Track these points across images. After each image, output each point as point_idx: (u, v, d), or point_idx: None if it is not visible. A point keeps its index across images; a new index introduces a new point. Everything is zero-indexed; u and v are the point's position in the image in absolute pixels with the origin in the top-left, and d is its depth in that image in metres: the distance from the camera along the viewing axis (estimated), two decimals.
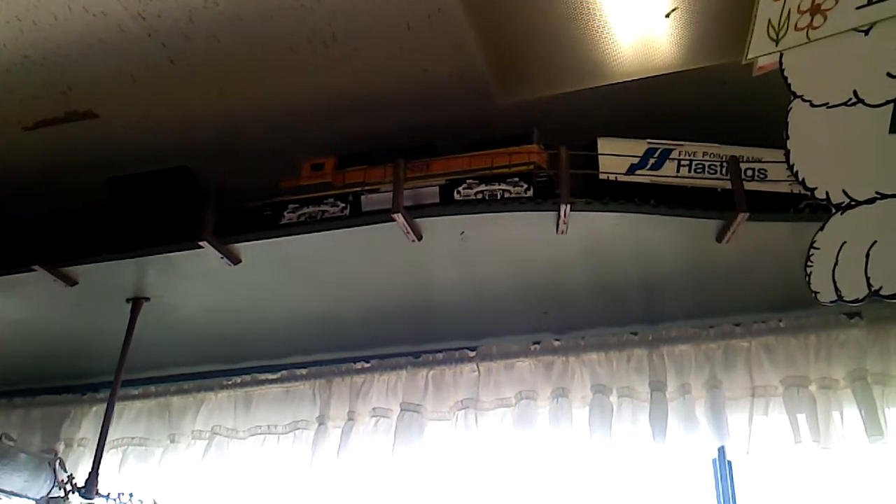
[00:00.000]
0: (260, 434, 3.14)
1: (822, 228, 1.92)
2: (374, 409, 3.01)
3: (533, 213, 2.43)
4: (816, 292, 1.94)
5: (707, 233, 2.47)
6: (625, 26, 2.51)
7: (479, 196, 2.47)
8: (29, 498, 2.86)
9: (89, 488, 2.75)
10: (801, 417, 2.61)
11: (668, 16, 2.47)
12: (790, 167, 1.97)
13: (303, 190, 2.64)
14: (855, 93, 1.91)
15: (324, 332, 3.16)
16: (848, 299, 1.88)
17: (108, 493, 2.80)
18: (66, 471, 2.86)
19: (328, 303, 2.98)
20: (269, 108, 2.78)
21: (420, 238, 2.54)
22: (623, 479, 2.87)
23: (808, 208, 2.31)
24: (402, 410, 2.96)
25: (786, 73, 2.01)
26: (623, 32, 2.53)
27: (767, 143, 2.36)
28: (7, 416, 3.50)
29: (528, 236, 2.55)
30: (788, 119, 1.98)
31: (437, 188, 2.52)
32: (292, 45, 2.54)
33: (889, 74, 1.88)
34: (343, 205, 2.59)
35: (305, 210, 2.62)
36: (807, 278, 1.94)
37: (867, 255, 1.85)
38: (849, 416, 2.58)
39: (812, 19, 1.99)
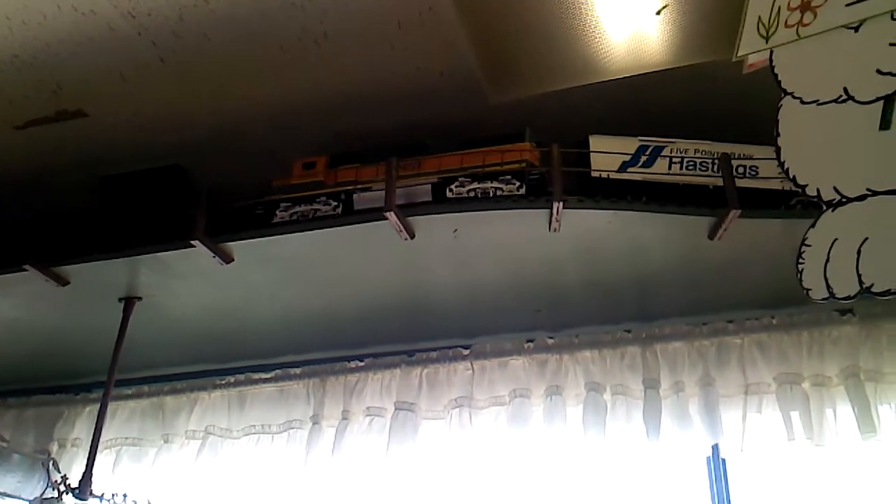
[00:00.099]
0: (254, 434, 3.13)
1: (813, 226, 1.93)
2: (368, 408, 3.01)
3: (525, 211, 2.43)
4: (808, 289, 1.94)
5: (699, 230, 2.47)
6: (616, 24, 2.51)
7: (472, 194, 2.47)
8: (22, 499, 2.86)
9: (83, 489, 2.74)
10: (795, 415, 2.62)
11: (658, 13, 2.47)
12: (781, 164, 1.97)
13: (295, 189, 2.64)
14: (845, 90, 1.91)
15: (317, 330, 3.15)
16: (840, 296, 1.88)
17: (102, 494, 2.79)
18: (59, 471, 2.87)
19: (321, 301, 2.98)
20: (261, 107, 2.77)
21: (413, 236, 2.54)
22: (617, 477, 2.86)
23: (800, 205, 2.31)
24: (396, 409, 2.96)
25: (776, 71, 2.02)
26: (614, 30, 2.53)
27: (758, 140, 2.37)
28: (0, 417, 3.49)
29: (520, 234, 2.55)
30: (779, 116, 1.98)
31: (429, 186, 2.51)
32: (283, 44, 2.54)
33: (879, 71, 1.88)
34: (335, 203, 2.59)
35: (297, 209, 2.61)
36: (798, 275, 1.94)
37: (858, 252, 1.85)
38: (842, 413, 2.59)
39: (802, 16, 2.00)
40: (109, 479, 3.15)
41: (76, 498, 2.76)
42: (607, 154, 2.48)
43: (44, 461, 2.93)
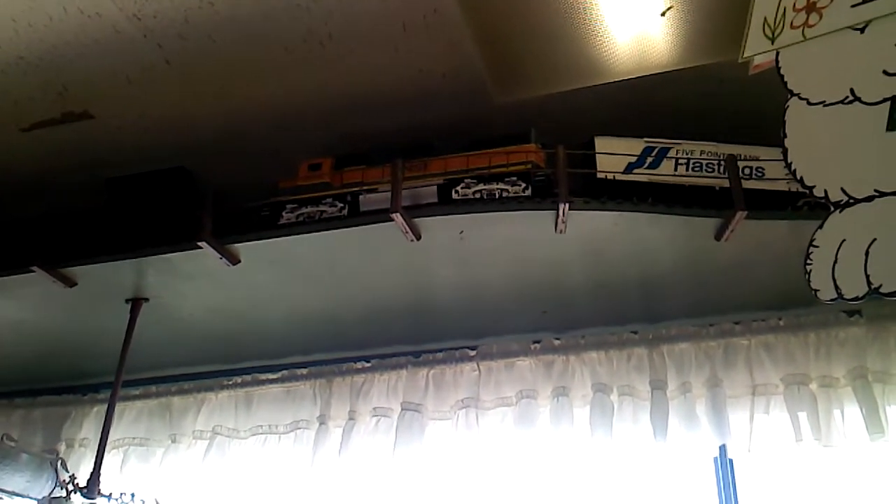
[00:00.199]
0: (261, 434, 3.15)
1: (821, 227, 1.92)
2: (374, 408, 3.02)
3: (531, 213, 2.42)
4: (816, 290, 1.93)
5: (705, 231, 2.46)
6: (621, 25, 2.50)
7: (478, 195, 2.47)
8: (31, 498, 2.87)
9: (91, 488, 2.76)
10: (802, 416, 2.61)
11: (663, 14, 2.46)
12: (788, 165, 1.97)
13: (301, 190, 2.64)
14: (852, 91, 1.90)
15: (324, 331, 3.16)
16: (848, 297, 1.88)
17: (110, 494, 2.80)
18: (67, 471, 2.87)
19: (328, 303, 2.98)
20: (266, 108, 2.77)
21: (419, 238, 2.54)
22: (624, 477, 2.86)
23: (807, 206, 2.30)
24: (402, 410, 2.97)
25: (782, 72, 2.01)
26: (619, 31, 2.52)
27: (765, 142, 2.36)
28: (8, 417, 3.51)
29: (526, 235, 2.55)
30: (786, 118, 1.97)
31: (435, 188, 2.51)
32: (288, 45, 2.53)
33: (885, 72, 1.87)
34: (341, 205, 2.59)
35: (304, 210, 2.61)
36: (806, 276, 1.93)
37: (867, 253, 1.84)
38: (850, 414, 2.58)
39: (808, 17, 1.99)
40: (117, 478, 3.17)
41: (84, 497, 2.77)
42: (613, 155, 2.47)
43: (52, 461, 2.94)
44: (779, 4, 2.03)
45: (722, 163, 2.44)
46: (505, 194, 2.45)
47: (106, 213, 2.88)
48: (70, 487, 2.78)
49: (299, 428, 3.10)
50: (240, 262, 2.69)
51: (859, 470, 2.64)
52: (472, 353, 2.99)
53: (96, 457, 2.82)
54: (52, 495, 2.88)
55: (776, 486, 2.76)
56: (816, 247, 1.93)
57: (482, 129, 2.58)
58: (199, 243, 2.59)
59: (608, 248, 2.61)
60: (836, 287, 1.89)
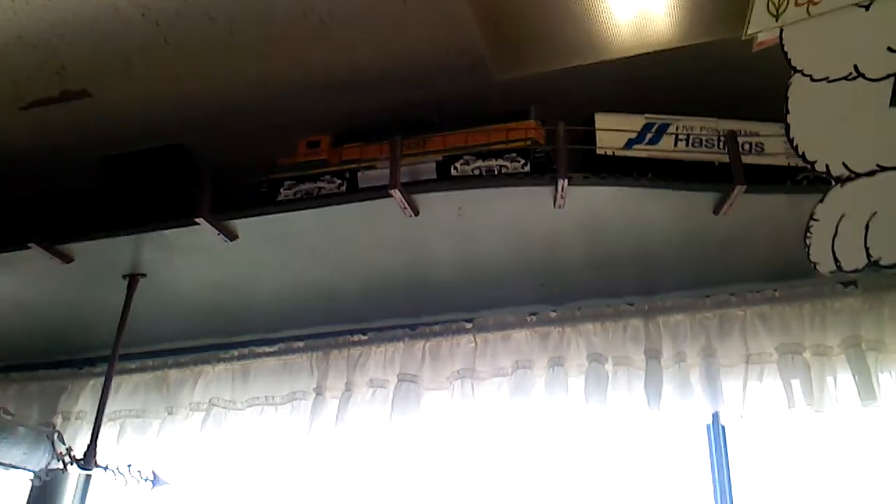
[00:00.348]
0: (258, 405, 3.15)
1: (821, 200, 1.93)
2: (371, 379, 3.03)
3: (530, 189, 2.42)
4: (816, 263, 1.95)
5: (704, 206, 2.47)
6: (622, 2, 2.47)
7: (477, 172, 2.46)
8: (28, 470, 2.88)
9: (88, 460, 2.76)
10: (796, 383, 2.64)
11: None
12: (790, 141, 1.96)
13: (299, 167, 2.63)
14: (855, 67, 1.90)
15: (321, 306, 3.16)
16: (847, 269, 1.90)
17: (107, 465, 2.81)
18: (64, 443, 2.87)
19: (325, 277, 2.98)
20: (265, 86, 2.74)
21: (417, 214, 2.54)
22: (618, 445, 2.90)
23: (806, 180, 2.31)
24: (399, 381, 2.98)
25: (786, 49, 2.00)
26: (621, 8, 2.48)
27: (766, 117, 2.36)
28: (4, 391, 3.51)
29: (525, 211, 2.55)
30: (788, 94, 1.96)
31: (433, 164, 2.50)
32: (287, 22, 2.49)
33: (890, 49, 1.87)
34: (340, 181, 2.58)
35: (302, 187, 2.60)
36: (806, 249, 1.95)
37: (867, 227, 1.86)
38: (842, 381, 2.61)
39: None
40: (114, 450, 3.18)
41: (81, 469, 2.79)
42: (613, 131, 2.47)
43: (48, 433, 2.95)
44: None
45: (722, 138, 2.44)
46: (504, 171, 2.45)
47: (103, 190, 2.86)
48: (67, 459, 2.79)
49: (296, 399, 3.11)
50: (237, 238, 2.68)
51: (850, 435, 2.69)
52: (469, 325, 3.00)
53: (93, 429, 2.83)
54: (50, 467, 2.89)
55: (768, 451, 2.80)
56: (816, 220, 1.94)
57: (482, 106, 2.57)
58: (197, 219, 2.57)
59: (606, 223, 2.62)
60: (836, 260, 1.91)
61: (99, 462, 2.79)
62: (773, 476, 2.77)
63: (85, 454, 2.77)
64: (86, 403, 3.36)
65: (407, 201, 2.46)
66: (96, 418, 2.85)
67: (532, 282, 2.96)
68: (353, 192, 2.55)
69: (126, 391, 3.32)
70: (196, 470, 3.24)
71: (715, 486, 2.75)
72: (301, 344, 3.18)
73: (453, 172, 2.48)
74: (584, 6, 2.46)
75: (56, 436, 2.90)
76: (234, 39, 2.56)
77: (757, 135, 2.42)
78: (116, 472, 2.82)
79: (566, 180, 2.35)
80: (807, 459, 2.75)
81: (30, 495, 3.34)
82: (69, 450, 2.80)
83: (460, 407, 2.90)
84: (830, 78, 1.94)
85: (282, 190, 2.61)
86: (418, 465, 3.04)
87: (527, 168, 2.42)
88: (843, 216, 1.90)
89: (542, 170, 2.42)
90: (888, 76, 1.87)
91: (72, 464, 2.78)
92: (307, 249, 2.80)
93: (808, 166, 1.96)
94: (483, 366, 2.95)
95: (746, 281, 2.81)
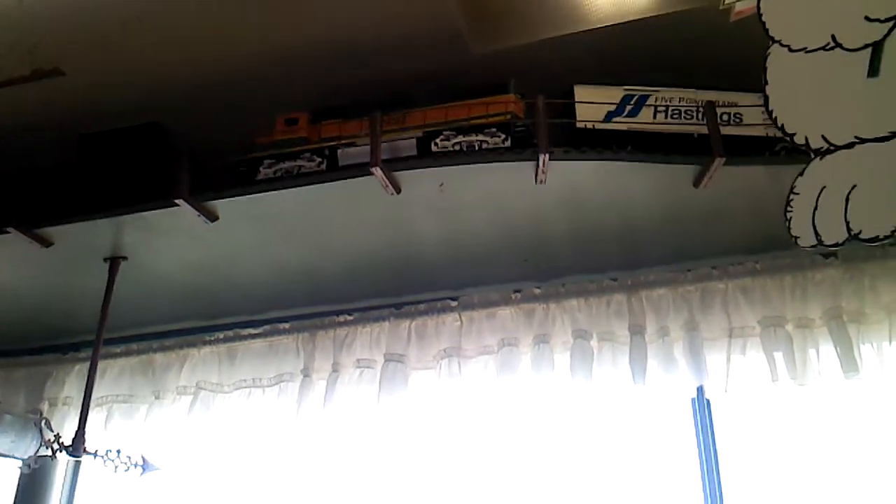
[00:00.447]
0: (245, 387, 3.15)
1: (801, 174, 1.93)
2: (358, 360, 3.03)
3: (511, 164, 2.42)
4: (797, 237, 1.96)
5: (684, 178, 2.47)
6: None
7: (457, 147, 2.46)
8: (16, 458, 2.88)
9: (76, 446, 2.76)
10: (778, 356, 2.66)
11: None
12: (769, 113, 1.96)
13: (278, 145, 2.60)
14: (833, 37, 1.89)
15: (305, 286, 3.15)
16: (828, 243, 1.91)
17: (96, 451, 2.80)
18: (52, 430, 2.86)
19: (309, 257, 2.98)
20: (241, 63, 2.71)
21: (399, 191, 2.53)
22: (605, 420, 2.91)
23: (784, 151, 2.31)
24: (385, 361, 2.98)
25: (764, 18, 1.99)
26: None
27: (744, 88, 2.36)
28: None
29: (506, 186, 2.55)
30: (767, 64, 1.96)
31: (414, 140, 2.49)
32: None
33: (867, 18, 1.87)
34: (319, 159, 2.56)
35: (281, 165, 2.58)
36: (787, 223, 1.95)
37: (847, 200, 1.86)
38: (825, 353, 2.63)
39: None
40: (102, 435, 3.17)
41: (70, 455, 2.78)
42: (593, 104, 2.46)
43: (36, 421, 2.94)
44: None
45: (701, 109, 2.43)
46: (485, 146, 2.44)
47: (81, 171, 2.83)
48: (55, 446, 2.78)
49: (283, 381, 3.11)
50: (218, 218, 2.67)
51: (833, 407, 2.71)
52: (454, 303, 2.99)
53: (80, 415, 2.82)
54: (38, 454, 2.88)
55: (752, 423, 2.82)
56: (797, 194, 1.95)
57: (461, 80, 2.55)
58: (177, 201, 2.56)
59: (588, 198, 2.62)
60: (817, 233, 1.92)
61: (88, 448, 2.78)
62: (759, 448, 2.78)
63: (73, 440, 2.76)
64: (72, 389, 3.34)
65: (388, 179, 2.45)
66: (83, 404, 2.85)
67: (516, 258, 2.96)
68: (334, 171, 2.53)
69: (112, 376, 3.31)
70: (185, 454, 3.24)
71: (701, 460, 2.77)
72: (287, 325, 3.17)
73: (434, 149, 2.47)
74: None
75: (44, 423, 2.89)
76: (209, 16, 2.53)
77: (735, 105, 2.42)
78: (105, 457, 2.81)
79: (547, 155, 2.34)
80: (792, 431, 2.77)
81: (19, 483, 3.34)
82: (57, 436, 2.79)
83: (447, 386, 2.90)
84: (808, 48, 1.93)
85: (261, 169, 2.59)
86: (407, 444, 3.05)
87: (507, 143, 2.42)
88: (823, 189, 1.90)
89: (522, 144, 2.41)
90: (865, 46, 1.87)
91: (60, 451, 2.77)
92: (289, 229, 2.79)
93: (788, 138, 1.95)
94: (469, 344, 2.95)
95: (728, 254, 2.82)
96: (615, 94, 2.48)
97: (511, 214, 2.72)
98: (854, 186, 1.86)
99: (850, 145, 1.87)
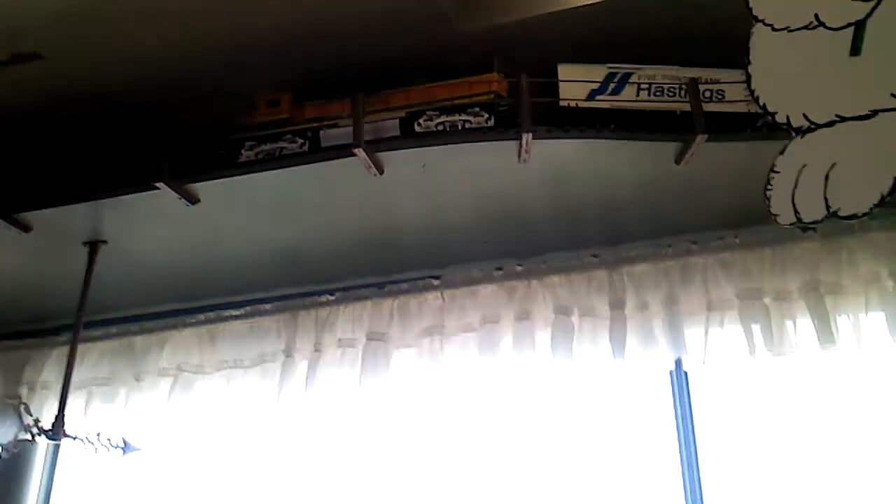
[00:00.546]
0: (226, 369, 3.13)
1: (782, 152, 1.96)
2: (340, 339, 3.02)
3: (495, 143, 2.42)
4: (776, 215, 1.99)
5: (666, 155, 2.49)
6: None
7: (440, 128, 2.45)
8: None
9: (56, 430, 2.74)
10: (756, 328, 2.69)
11: None
12: (751, 92, 1.98)
13: (260, 127, 2.58)
14: (816, 16, 1.90)
15: (287, 267, 3.14)
16: (807, 221, 1.95)
17: (76, 435, 2.78)
18: (31, 414, 2.85)
19: (291, 239, 2.96)
20: (223, 45, 2.65)
21: (382, 172, 2.52)
22: (585, 393, 2.95)
23: (765, 127, 2.33)
24: (368, 340, 2.98)
25: None
26: None
27: (726, 63, 2.37)
28: None
29: (490, 166, 2.55)
30: (750, 44, 1.96)
31: (397, 121, 2.48)
32: None
33: None
34: (302, 141, 2.54)
35: (263, 147, 2.56)
36: (767, 201, 1.99)
37: (826, 178, 1.90)
38: (802, 325, 2.67)
39: None
40: (82, 420, 3.15)
41: (50, 440, 2.77)
42: (576, 83, 2.46)
43: (15, 405, 2.92)
44: None
45: (683, 87, 2.44)
46: (468, 125, 2.43)
47: (60, 155, 2.78)
48: (35, 431, 2.77)
49: (265, 362, 3.10)
50: (199, 201, 2.64)
51: (810, 379, 2.77)
52: (436, 282, 3.00)
53: (60, 399, 2.80)
54: (18, 439, 2.87)
55: (730, 396, 2.87)
56: (777, 172, 1.98)
57: (444, 60, 2.53)
58: (157, 184, 2.53)
59: (571, 176, 2.63)
60: (796, 211, 1.96)
61: (68, 432, 2.75)
62: (736, 420, 2.83)
63: (53, 424, 2.74)
64: (51, 373, 3.30)
65: (371, 160, 2.44)
66: (63, 388, 2.82)
67: (498, 236, 2.97)
68: (316, 152, 2.52)
69: (92, 359, 3.27)
70: (167, 436, 3.22)
71: (679, 432, 2.82)
72: (268, 306, 3.16)
73: (417, 129, 2.46)
74: None
75: (23, 407, 2.88)
76: None
77: (718, 82, 2.43)
78: (86, 440, 2.79)
79: (530, 134, 2.35)
80: (769, 403, 2.82)
81: None
82: (37, 421, 2.78)
83: (429, 364, 2.92)
84: (791, 27, 1.94)
85: (243, 151, 2.57)
86: (390, 424, 3.07)
87: (490, 122, 2.42)
88: (803, 167, 1.94)
89: (505, 124, 2.41)
90: (848, 25, 1.89)
91: (40, 435, 2.76)
92: (271, 211, 2.77)
93: (770, 117, 1.97)
94: (451, 322, 2.96)
95: (708, 229, 2.84)
96: (598, 72, 2.48)
97: (494, 194, 2.72)
98: (834, 164, 1.90)
99: (830, 124, 1.90)
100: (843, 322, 2.66)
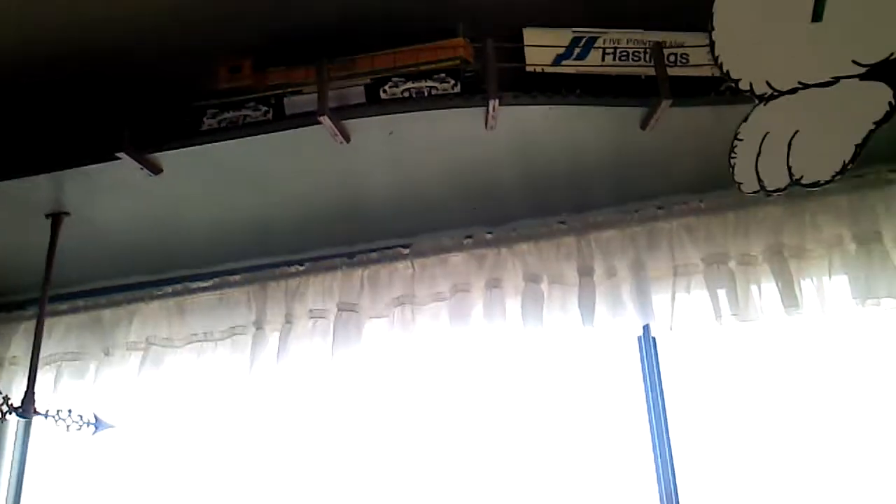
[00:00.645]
0: (196, 342, 3.13)
1: (745, 120, 1.97)
2: (311, 310, 3.02)
3: (461, 110, 2.41)
4: (740, 183, 2.01)
5: (632, 121, 2.49)
6: None
7: (406, 94, 2.42)
8: None
9: (26, 407, 2.70)
10: (722, 293, 2.73)
11: None
12: (715, 59, 1.97)
13: (222, 94, 2.53)
14: None
15: (255, 237, 3.11)
16: (770, 189, 1.96)
17: (47, 411, 2.76)
18: (0, 391, 2.81)
19: (257, 209, 2.93)
20: (181, 7, 2.58)
21: (348, 140, 2.50)
22: (554, 360, 2.97)
23: (729, 91, 2.32)
24: (339, 310, 2.98)
25: None
26: None
27: (689, 26, 2.37)
28: None
29: (457, 133, 2.54)
30: (713, 10, 1.95)
31: (362, 88, 2.45)
32: None
33: None
34: (265, 108, 2.50)
35: (226, 115, 2.51)
36: (731, 169, 2.00)
37: (789, 145, 1.91)
38: (766, 290, 2.71)
39: None
40: (52, 396, 3.13)
41: (20, 417, 2.73)
42: (542, 48, 2.45)
43: None
44: None
45: (648, 51, 2.44)
46: (434, 92, 2.41)
47: (17, 126, 2.72)
48: (4, 408, 2.73)
49: (236, 334, 3.09)
50: (162, 171, 2.60)
51: (776, 342, 2.80)
52: (406, 251, 3.00)
53: (28, 375, 2.76)
54: None
55: (697, 360, 2.90)
56: (741, 140, 1.98)
57: (409, 25, 2.49)
58: (118, 154, 2.49)
59: (538, 142, 2.62)
60: (760, 179, 1.97)
61: (38, 409, 2.73)
62: (705, 385, 2.87)
63: (23, 401, 2.70)
64: (18, 348, 3.26)
65: (337, 127, 2.42)
66: (31, 363, 2.78)
67: (467, 204, 2.96)
68: (280, 120, 2.48)
69: (59, 333, 3.23)
70: (138, 411, 3.21)
71: (647, 397, 2.85)
72: (237, 277, 3.14)
73: (383, 95, 2.43)
74: None
75: None
76: None
77: (682, 46, 2.43)
78: (57, 417, 2.77)
79: (496, 100, 2.33)
80: (736, 367, 2.86)
81: None
82: (6, 398, 2.73)
83: (401, 334, 2.93)
84: None
85: (205, 119, 2.52)
86: (363, 395, 3.07)
87: (457, 89, 2.40)
88: (766, 135, 1.94)
89: (472, 90, 2.39)
90: None
91: (10, 412, 2.71)
92: (236, 180, 2.74)
93: (733, 84, 1.97)
94: (422, 291, 2.96)
95: (674, 193, 2.86)
96: (564, 36, 2.47)
97: (462, 161, 2.71)
98: (797, 132, 1.91)
99: (793, 91, 1.91)
100: (806, 286, 2.70)
